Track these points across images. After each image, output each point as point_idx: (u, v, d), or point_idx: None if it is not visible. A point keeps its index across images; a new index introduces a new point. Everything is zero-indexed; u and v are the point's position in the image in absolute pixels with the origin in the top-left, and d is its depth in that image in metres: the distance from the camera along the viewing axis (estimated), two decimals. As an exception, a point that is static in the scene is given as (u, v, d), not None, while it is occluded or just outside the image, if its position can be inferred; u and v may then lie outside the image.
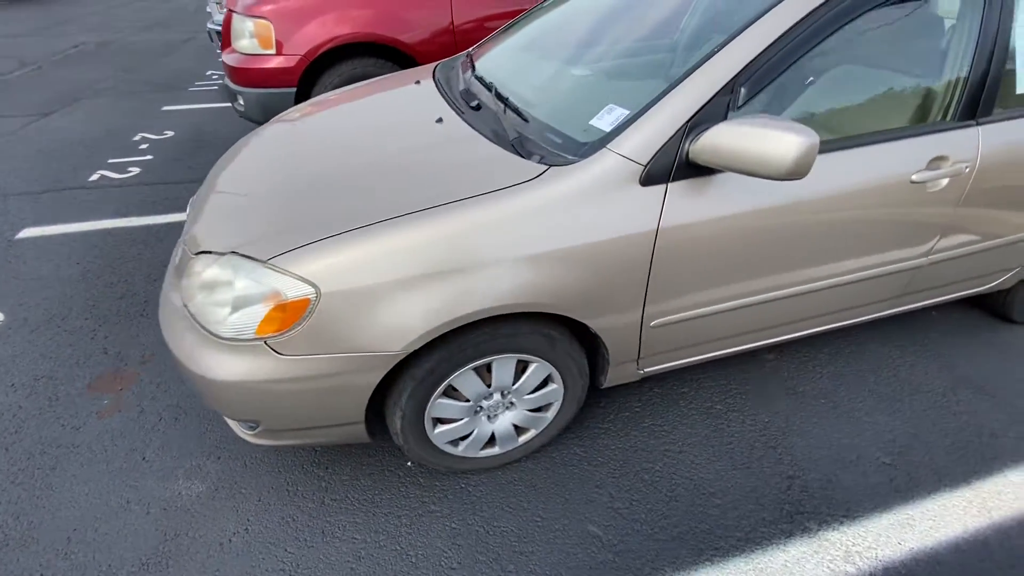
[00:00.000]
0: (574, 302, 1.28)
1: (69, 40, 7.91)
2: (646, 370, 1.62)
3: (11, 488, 1.58)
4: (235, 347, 1.20)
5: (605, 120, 1.30)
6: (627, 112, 1.28)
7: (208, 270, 1.24)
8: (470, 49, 2.19)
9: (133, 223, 3.01)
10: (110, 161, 3.82)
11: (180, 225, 3.01)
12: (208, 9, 5.47)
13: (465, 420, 1.47)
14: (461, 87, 1.79)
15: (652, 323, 1.44)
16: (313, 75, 3.21)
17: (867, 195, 1.43)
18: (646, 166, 1.23)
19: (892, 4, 1.36)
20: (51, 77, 5.99)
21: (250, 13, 3.03)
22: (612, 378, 1.60)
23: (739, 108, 1.25)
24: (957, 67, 1.46)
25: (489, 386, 1.42)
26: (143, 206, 3.19)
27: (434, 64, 2.16)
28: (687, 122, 1.22)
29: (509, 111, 1.50)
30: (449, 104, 1.68)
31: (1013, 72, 1.51)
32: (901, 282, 1.72)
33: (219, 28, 4.78)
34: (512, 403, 1.51)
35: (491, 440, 1.57)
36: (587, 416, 1.84)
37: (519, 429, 1.59)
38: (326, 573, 1.38)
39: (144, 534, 1.47)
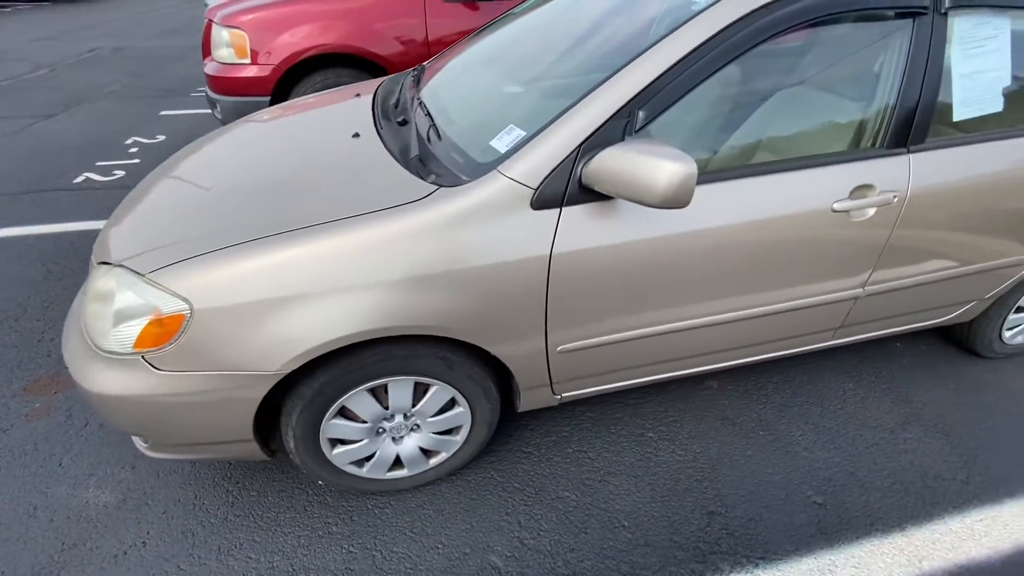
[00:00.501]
0: (465, 327, 1.25)
1: (86, 45, 8.17)
2: (564, 395, 1.58)
3: (-73, 489, 1.59)
4: (115, 360, 1.19)
5: (504, 141, 1.27)
6: (524, 133, 1.25)
7: (99, 281, 1.23)
8: (425, 63, 2.18)
9: (106, 226, 3.06)
10: (98, 164, 3.90)
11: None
12: (207, 2, 5.58)
13: (365, 441, 1.44)
14: (394, 101, 1.78)
15: (558, 349, 1.39)
16: (288, 85, 3.24)
17: (785, 224, 1.37)
18: (537, 189, 1.19)
19: (812, 25, 1.31)
20: (61, 80, 6.17)
21: (226, 23, 3.08)
22: (527, 403, 1.55)
23: (636, 132, 1.21)
24: (886, 93, 1.40)
25: (387, 408, 1.39)
26: (119, 209, 3.24)
27: (384, 78, 2.16)
28: (580, 145, 1.19)
29: (430, 128, 1.49)
30: (375, 119, 1.66)
31: (949, 100, 1.45)
32: (838, 313, 1.64)
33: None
34: (417, 425, 1.47)
35: (399, 462, 1.53)
36: (512, 439, 1.79)
37: (429, 451, 1.56)
38: (214, 592, 1.36)
39: (43, 542, 1.46)
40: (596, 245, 1.25)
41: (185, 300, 1.13)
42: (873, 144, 1.43)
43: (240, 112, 3.24)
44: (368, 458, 1.49)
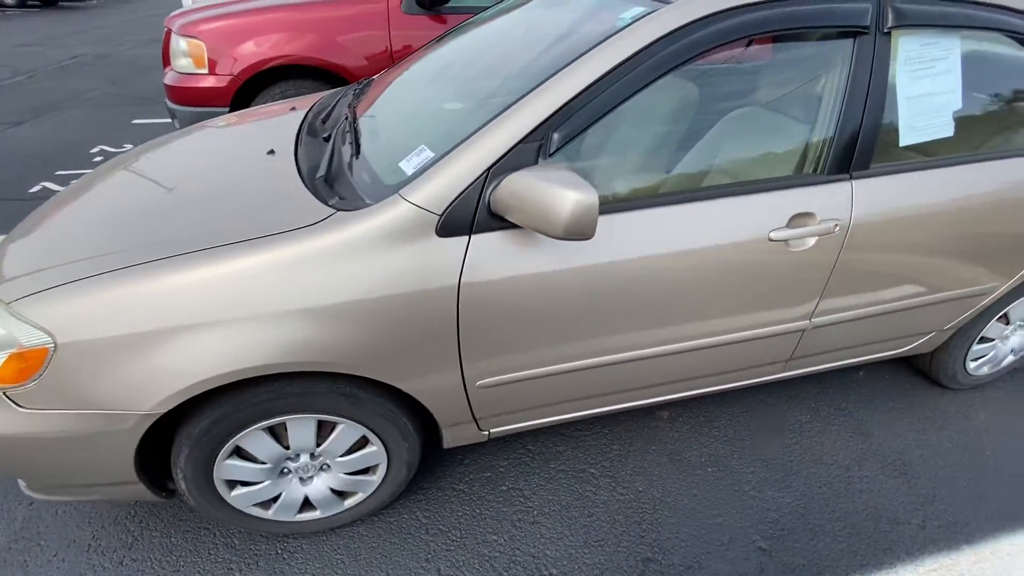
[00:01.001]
0: (367, 362, 1.15)
1: (70, 51, 8.10)
2: (492, 431, 1.48)
3: None
4: (-24, 397, 1.09)
5: (412, 162, 1.19)
6: (433, 155, 1.17)
7: (-30, 309, 1.13)
8: (375, 76, 2.11)
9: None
10: (57, 173, 3.80)
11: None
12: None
13: (267, 483, 1.33)
14: (324, 116, 1.69)
15: (478, 384, 1.30)
16: (249, 95, 3.16)
17: (720, 253, 1.28)
18: (442, 216, 1.10)
19: (745, 45, 1.24)
20: (39, 87, 6.09)
21: (184, 33, 3.01)
22: (451, 439, 1.45)
23: (552, 155, 1.13)
24: (827, 117, 1.32)
25: (288, 447, 1.29)
26: (72, 221, 3.14)
27: (326, 91, 2.08)
28: (489, 169, 1.10)
29: (352, 145, 1.40)
30: (299, 135, 1.58)
31: (895, 124, 1.37)
32: (785, 345, 1.55)
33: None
34: (327, 465, 1.37)
35: (311, 503, 1.43)
36: (445, 474, 1.68)
37: (344, 492, 1.45)
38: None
39: (-83, 589, 1.35)
40: (511, 275, 1.16)
41: (48, 333, 1.03)
42: (815, 170, 1.35)
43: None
44: (274, 499, 1.38)
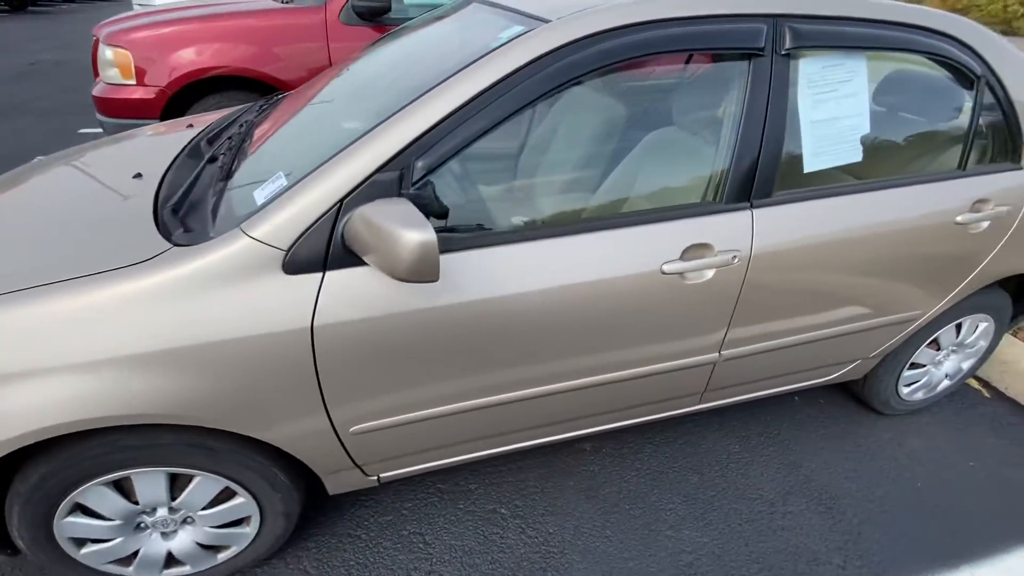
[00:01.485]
0: (210, 412, 1.04)
1: (30, 57, 7.89)
2: (383, 476, 1.38)
3: None
4: None
5: (266, 191, 1.09)
6: (285, 184, 1.07)
7: None
8: (285, 92, 2.01)
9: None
10: (-12, 186, 3.64)
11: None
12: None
13: (120, 540, 1.21)
14: (213, 135, 1.59)
15: (351, 430, 1.20)
16: (182, 107, 3.04)
17: (608, 287, 1.20)
18: (288, 251, 1.01)
19: (631, 67, 1.17)
20: (-13, 95, 5.89)
21: (110, 42, 2.88)
22: (336, 486, 1.35)
23: (415, 186, 1.04)
24: (724, 143, 1.25)
25: (138, 502, 1.18)
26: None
27: (235, 108, 1.98)
28: (341, 201, 1.01)
29: (224, 169, 1.29)
30: (178, 155, 1.47)
31: (799, 149, 1.30)
32: (696, 378, 1.48)
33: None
34: (191, 518, 1.26)
35: (177, 558, 1.31)
36: (344, 517, 1.57)
37: (216, 546, 1.34)
38: None
39: None
40: (372, 315, 1.06)
41: None
42: (715, 198, 1.27)
43: (129, 135, 3.02)
44: (134, 555, 1.27)
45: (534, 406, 1.33)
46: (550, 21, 1.13)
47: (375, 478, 1.37)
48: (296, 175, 1.09)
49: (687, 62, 1.24)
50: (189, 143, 1.55)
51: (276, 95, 1.93)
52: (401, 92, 1.16)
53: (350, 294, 1.04)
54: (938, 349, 1.87)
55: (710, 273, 1.26)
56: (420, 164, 1.04)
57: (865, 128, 1.34)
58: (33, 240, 1.13)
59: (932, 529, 1.63)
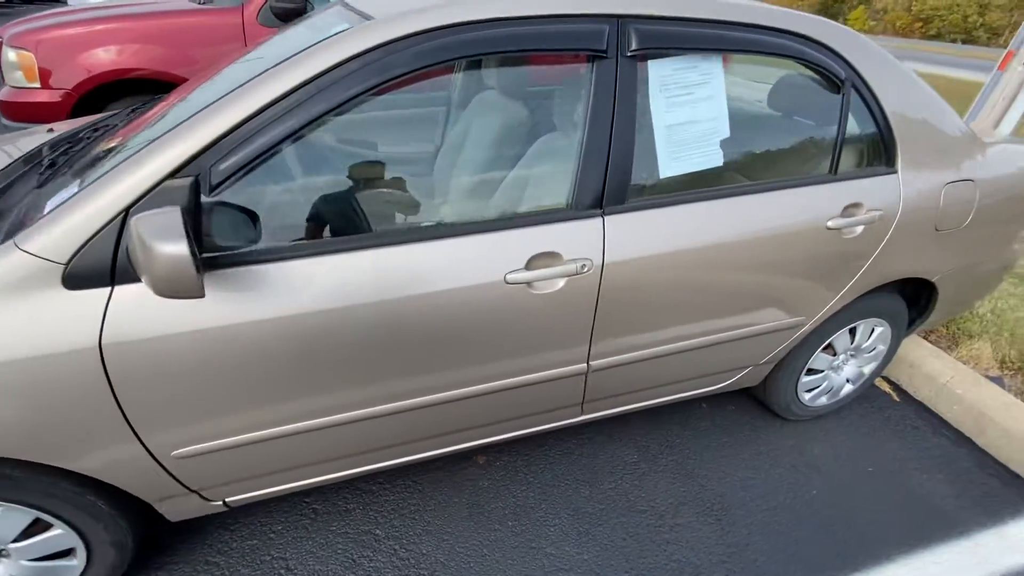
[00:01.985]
0: (-4, 439, 0.96)
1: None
2: (231, 500, 1.30)
3: None
4: None
5: (56, 200, 1.01)
6: (75, 193, 1.00)
7: None
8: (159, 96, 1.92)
9: None
10: None
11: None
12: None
13: (-84, 578, 1.12)
14: (64, 140, 1.50)
15: (173, 455, 1.12)
16: (94, 111, 2.93)
17: (450, 299, 1.14)
18: (67, 265, 0.93)
19: (465, 68, 1.12)
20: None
21: (13, 43, 2.76)
22: (174, 513, 1.26)
23: (214, 193, 0.98)
24: (572, 148, 1.20)
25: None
26: None
27: (112, 112, 1.89)
28: (126, 210, 0.94)
29: (43, 176, 1.21)
30: (24, 161, 1.38)
31: (654, 154, 1.26)
32: (569, 390, 1.43)
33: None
34: (5, 552, 1.17)
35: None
36: (204, 543, 1.48)
37: (41, 579, 1.24)
38: None
39: None
40: (172, 332, 0.99)
41: None
42: (567, 206, 1.22)
43: (37, 140, 2.90)
44: (-60, 593, 1.17)
45: (388, 424, 1.27)
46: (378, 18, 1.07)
47: (220, 503, 1.29)
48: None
49: (529, 63, 1.20)
50: (45, 148, 1.46)
51: (154, 98, 1.84)
52: (217, 95, 1.10)
53: (143, 310, 0.97)
54: (834, 354, 1.85)
55: (560, 283, 1.21)
56: (222, 168, 0.97)
57: (724, 132, 1.30)
58: None
59: (820, 539, 1.60)
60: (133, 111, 1.68)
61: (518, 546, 1.53)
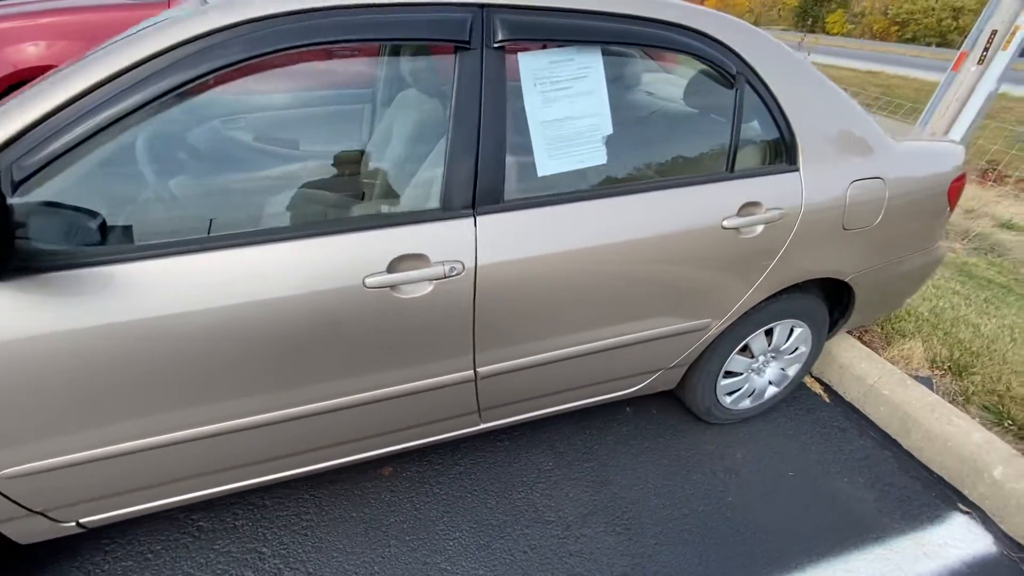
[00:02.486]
0: None
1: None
2: (85, 521, 1.21)
3: None
4: None
5: None
6: None
7: None
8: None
9: None
10: None
11: None
12: None
13: None
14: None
15: (3, 473, 1.04)
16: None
17: (306, 305, 1.07)
18: None
19: (294, 58, 1.06)
20: None
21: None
22: (22, 536, 1.18)
23: (17, 191, 0.90)
24: (441, 147, 1.14)
25: None
26: None
27: None
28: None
29: None
30: None
31: (531, 152, 1.20)
32: (458, 398, 1.36)
33: None
34: None
35: None
36: (72, 565, 1.39)
37: None
38: None
39: None
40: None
41: None
42: (441, 205, 1.16)
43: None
44: None
45: (251, 439, 1.19)
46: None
47: (73, 524, 1.21)
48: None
49: (386, 54, 1.14)
50: None
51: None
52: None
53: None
54: (752, 356, 1.81)
55: (428, 287, 1.15)
56: (26, 164, 0.90)
57: (607, 128, 1.25)
58: None
59: (729, 549, 1.56)
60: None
61: (411, 562, 1.46)
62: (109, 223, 0.98)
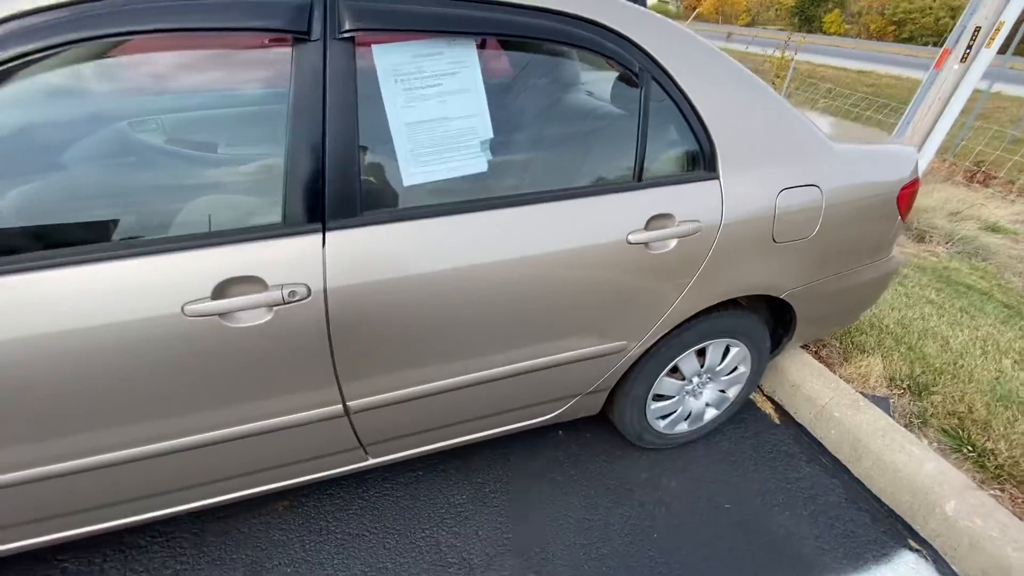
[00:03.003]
0: None
1: None
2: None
3: None
4: None
5: None
6: None
7: None
8: None
9: None
10: None
11: None
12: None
13: None
14: None
15: None
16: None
17: (115, 334, 0.92)
18: None
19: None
20: None
21: None
22: None
23: None
24: (272, 151, 0.99)
25: None
26: None
27: None
28: None
29: None
30: None
31: (394, 158, 1.06)
32: (331, 435, 1.22)
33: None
34: None
35: None
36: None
37: None
38: None
39: None
40: None
41: None
42: (283, 220, 1.02)
43: None
44: None
45: (97, 479, 1.05)
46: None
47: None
48: None
49: (212, 49, 0.99)
50: None
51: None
52: None
53: None
54: (684, 379, 1.66)
55: (266, 314, 1.00)
56: None
57: (486, 131, 1.10)
58: None
59: (647, 593, 1.42)
60: None
61: (289, 613, 1.32)
62: None
